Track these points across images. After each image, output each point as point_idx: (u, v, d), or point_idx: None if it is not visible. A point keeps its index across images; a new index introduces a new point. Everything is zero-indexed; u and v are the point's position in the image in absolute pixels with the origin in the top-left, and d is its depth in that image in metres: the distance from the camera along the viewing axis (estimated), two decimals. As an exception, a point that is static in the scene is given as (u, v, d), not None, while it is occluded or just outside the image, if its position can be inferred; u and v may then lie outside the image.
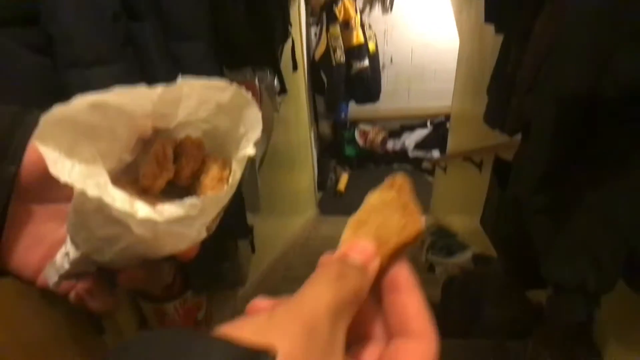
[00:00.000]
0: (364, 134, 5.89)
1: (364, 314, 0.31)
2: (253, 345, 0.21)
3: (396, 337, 0.29)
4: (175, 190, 0.39)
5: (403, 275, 0.31)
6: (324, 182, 5.72)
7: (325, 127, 5.67)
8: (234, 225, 1.49)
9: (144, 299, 1.54)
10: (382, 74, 5.48)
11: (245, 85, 1.69)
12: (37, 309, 0.40)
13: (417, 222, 0.32)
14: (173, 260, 0.39)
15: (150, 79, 1.12)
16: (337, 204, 5.44)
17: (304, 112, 4.33)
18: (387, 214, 0.32)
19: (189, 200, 0.32)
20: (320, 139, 5.63)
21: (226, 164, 0.39)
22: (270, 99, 2.24)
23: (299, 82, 3.86)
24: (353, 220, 0.33)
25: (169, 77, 1.15)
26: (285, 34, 2.38)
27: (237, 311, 1.86)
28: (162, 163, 0.37)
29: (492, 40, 1.99)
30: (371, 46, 5.12)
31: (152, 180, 0.37)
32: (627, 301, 1.05)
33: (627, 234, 0.86)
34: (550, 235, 0.96)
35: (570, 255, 0.93)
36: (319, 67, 4.94)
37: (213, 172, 0.38)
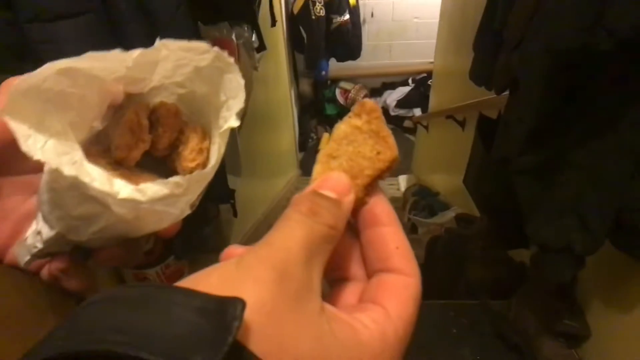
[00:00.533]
0: (345, 93, 5.81)
1: (341, 254, 0.29)
2: (220, 295, 0.19)
3: (377, 273, 0.28)
4: (151, 160, 0.36)
5: (381, 208, 0.29)
6: (305, 142, 5.68)
7: (305, 86, 5.56)
8: (215, 189, 1.45)
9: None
10: (362, 29, 5.34)
11: (222, 41, 1.59)
12: (13, 277, 0.37)
13: (392, 147, 0.29)
14: (153, 236, 0.37)
15: (120, 32, 1.04)
16: (319, 164, 5.41)
17: (283, 69, 4.23)
18: (359, 142, 0.30)
19: (174, 179, 0.30)
20: (300, 98, 5.54)
21: (205, 133, 0.37)
22: (249, 57, 2.16)
23: (277, 38, 3.74)
24: (323, 153, 0.30)
25: (139, 30, 1.06)
26: (263, -14, 2.28)
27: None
28: (137, 133, 0.35)
29: (477, -8, 1.93)
30: (351, -1, 4.98)
31: (127, 152, 0.34)
32: (610, 260, 1.05)
33: (615, 193, 0.85)
34: (537, 195, 0.95)
35: (557, 215, 0.92)
36: (297, 21, 4.80)
37: (192, 142, 0.36)
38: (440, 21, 3.68)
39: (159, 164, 0.37)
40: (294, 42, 4.93)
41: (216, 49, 0.33)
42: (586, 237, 0.87)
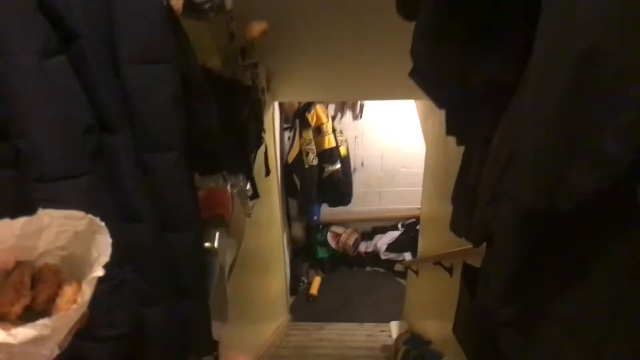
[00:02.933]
0: (336, 236, 5.90)
1: None
2: None
3: None
4: (33, 314, 0.42)
5: None
6: (296, 286, 5.61)
7: (298, 230, 5.67)
8: (196, 341, 1.41)
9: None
10: (353, 177, 5.62)
11: (217, 192, 1.66)
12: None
13: None
14: None
15: (119, 190, 1.09)
16: (310, 309, 5.30)
17: (276, 215, 4.35)
18: None
19: (41, 321, 0.35)
20: (292, 242, 5.61)
21: (80, 285, 0.43)
22: (243, 204, 2.25)
23: (271, 185, 3.91)
24: None
25: (139, 186, 1.13)
26: (259, 141, 2.45)
27: None
28: (19, 290, 0.41)
29: (456, 147, 2.09)
30: (342, 150, 5.31)
31: (9, 307, 0.40)
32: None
33: (594, 345, 0.85)
34: (520, 349, 0.95)
35: (542, 370, 0.91)
36: (291, 169, 5.05)
37: (67, 295, 0.42)
38: (425, 171, 3.90)
39: (39, 316, 0.41)
40: (288, 189, 5.14)
41: (90, 216, 0.42)
42: (572, 393, 0.86)
